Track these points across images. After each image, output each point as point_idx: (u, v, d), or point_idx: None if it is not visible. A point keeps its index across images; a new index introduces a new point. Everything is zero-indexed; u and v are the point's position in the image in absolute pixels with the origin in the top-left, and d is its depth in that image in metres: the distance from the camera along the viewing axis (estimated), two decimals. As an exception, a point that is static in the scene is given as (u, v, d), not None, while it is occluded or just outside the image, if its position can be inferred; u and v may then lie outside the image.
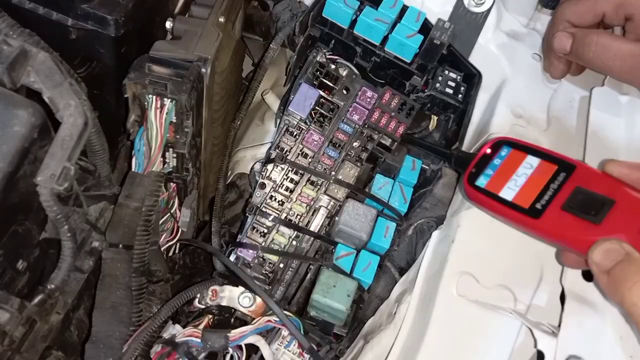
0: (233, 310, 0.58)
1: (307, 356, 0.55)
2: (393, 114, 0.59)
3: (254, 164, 0.70)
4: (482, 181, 0.44)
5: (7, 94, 0.41)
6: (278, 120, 0.65)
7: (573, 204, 0.40)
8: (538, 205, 0.41)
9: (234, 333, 0.52)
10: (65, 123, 0.42)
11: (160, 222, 0.59)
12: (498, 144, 0.46)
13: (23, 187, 0.42)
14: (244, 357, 0.52)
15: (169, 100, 0.51)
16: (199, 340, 0.52)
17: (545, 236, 0.42)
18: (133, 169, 0.53)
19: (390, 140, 0.59)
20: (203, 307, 0.58)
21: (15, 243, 0.44)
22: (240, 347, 0.53)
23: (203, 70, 0.52)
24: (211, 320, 0.58)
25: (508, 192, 0.43)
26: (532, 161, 0.44)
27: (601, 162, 0.44)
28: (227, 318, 0.59)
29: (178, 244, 0.67)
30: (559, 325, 0.46)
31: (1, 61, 0.41)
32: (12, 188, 0.40)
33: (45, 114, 0.42)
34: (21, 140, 0.40)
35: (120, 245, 0.50)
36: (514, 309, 0.47)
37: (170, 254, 0.67)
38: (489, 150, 0.46)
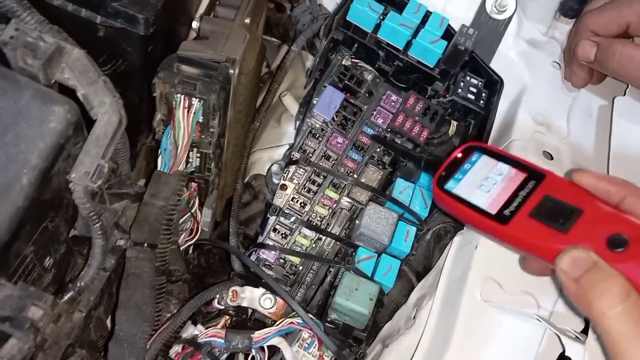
0: (250, 311, 0.58)
1: (326, 359, 0.55)
2: (417, 118, 0.60)
3: (271, 165, 0.70)
4: (451, 185, 0.44)
5: (44, 90, 0.41)
6: (298, 122, 0.65)
7: (541, 212, 0.40)
8: (506, 212, 0.41)
9: (258, 334, 0.52)
10: (99, 121, 0.42)
11: (180, 221, 0.59)
12: (469, 149, 0.46)
13: (56, 183, 0.42)
14: (266, 359, 0.52)
15: (197, 100, 0.51)
16: (223, 341, 0.52)
17: (512, 243, 0.42)
18: (159, 168, 0.53)
19: (413, 144, 0.59)
20: (222, 307, 0.58)
21: (46, 240, 0.43)
22: (262, 348, 0.53)
23: (231, 71, 0.52)
24: (228, 321, 0.58)
25: (477, 198, 0.43)
26: (502, 168, 0.44)
27: (567, 172, 0.44)
28: (243, 319, 0.59)
29: (193, 245, 0.67)
30: (583, 332, 0.47)
31: (38, 57, 0.40)
32: (47, 184, 0.40)
33: (80, 111, 0.42)
34: (57, 136, 0.40)
35: (145, 244, 0.50)
36: (540, 315, 0.48)
37: (185, 254, 0.66)
38: (459, 155, 0.46)
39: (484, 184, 0.44)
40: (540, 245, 0.40)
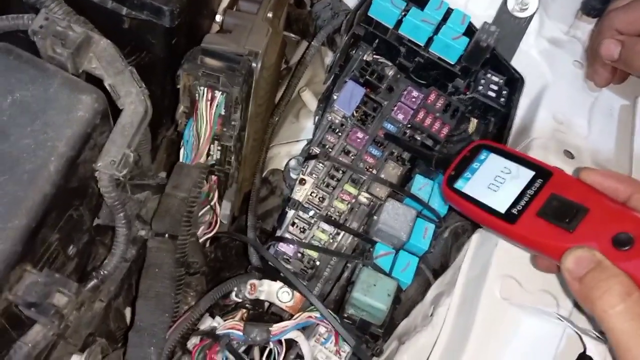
0: (267, 304, 0.59)
1: (343, 354, 0.55)
2: (438, 114, 0.60)
3: (289, 160, 0.70)
4: (460, 184, 0.44)
5: (73, 79, 0.41)
6: (317, 118, 0.65)
7: (548, 211, 0.40)
8: (514, 211, 0.41)
9: (276, 327, 0.52)
10: (126, 110, 0.43)
11: (200, 214, 0.59)
12: (477, 148, 0.46)
13: (82, 172, 0.42)
14: (283, 352, 0.52)
15: (220, 92, 0.51)
16: (241, 333, 0.52)
17: (520, 241, 0.42)
18: (181, 160, 0.54)
19: (432, 141, 0.59)
20: (239, 300, 0.58)
21: (70, 228, 0.44)
22: (280, 341, 0.53)
23: (254, 64, 0.52)
24: (245, 314, 0.58)
25: (485, 197, 0.43)
26: (510, 166, 0.44)
27: (575, 169, 0.44)
28: (260, 313, 0.59)
29: (210, 238, 0.67)
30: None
31: (67, 46, 0.41)
32: (73, 172, 0.41)
33: (107, 101, 0.42)
34: (85, 125, 0.40)
35: (166, 235, 0.50)
36: (559, 314, 0.47)
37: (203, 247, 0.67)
38: (468, 154, 0.46)
39: (492, 182, 0.44)
40: (547, 244, 0.40)
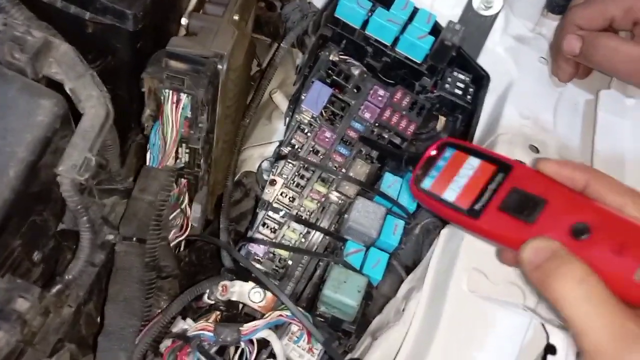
0: (241, 305, 0.59)
1: (315, 352, 0.55)
2: (404, 112, 0.60)
3: (262, 162, 0.70)
4: (427, 183, 0.45)
5: (32, 83, 0.41)
6: (287, 119, 0.66)
7: (509, 204, 0.40)
8: (477, 206, 0.41)
9: (246, 327, 0.52)
10: (87, 114, 0.43)
11: (170, 217, 0.59)
12: (443, 145, 0.46)
13: (44, 176, 0.42)
14: (255, 352, 0.53)
15: (185, 95, 0.51)
16: (212, 334, 0.52)
17: (485, 236, 0.42)
18: (147, 163, 0.54)
19: (400, 139, 0.60)
20: (212, 302, 0.58)
21: (33, 234, 0.44)
22: (251, 341, 0.53)
23: (219, 66, 0.53)
24: (219, 316, 0.58)
25: (450, 194, 0.43)
26: (473, 162, 0.44)
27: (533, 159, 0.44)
28: (234, 314, 0.59)
29: (184, 242, 0.67)
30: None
31: (25, 51, 0.41)
32: (34, 177, 0.41)
33: (67, 105, 0.42)
34: (44, 129, 0.40)
35: (134, 239, 0.50)
36: (525, 305, 0.48)
37: (177, 251, 0.67)
38: (434, 152, 0.46)
39: (456, 179, 0.44)
40: (510, 237, 0.40)
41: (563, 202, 0.39)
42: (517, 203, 0.40)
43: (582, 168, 0.40)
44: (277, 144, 0.69)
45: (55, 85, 0.44)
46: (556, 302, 0.36)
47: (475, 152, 0.45)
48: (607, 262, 0.36)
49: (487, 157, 0.44)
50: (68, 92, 0.44)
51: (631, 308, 0.35)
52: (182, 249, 0.68)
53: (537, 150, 0.56)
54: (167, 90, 0.51)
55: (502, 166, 0.43)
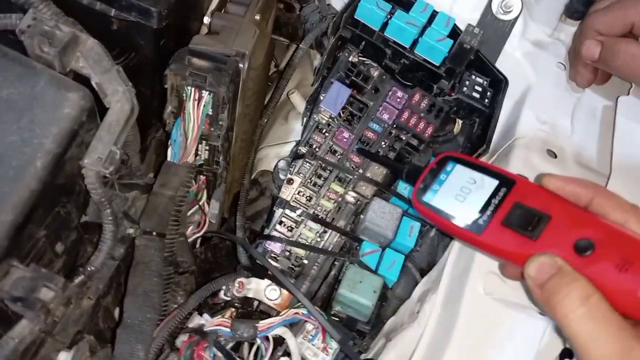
0: (255, 303, 0.59)
1: (330, 351, 0.55)
2: (422, 114, 0.60)
3: (278, 161, 0.70)
4: (429, 197, 0.45)
5: (60, 77, 0.42)
6: (305, 119, 0.66)
7: (512, 220, 0.40)
8: (480, 221, 0.42)
9: (263, 324, 0.52)
10: (112, 108, 0.43)
11: (188, 214, 0.60)
12: (444, 160, 0.46)
13: (69, 169, 0.43)
14: (270, 348, 0.53)
15: (207, 92, 0.52)
16: (228, 330, 0.52)
17: (488, 251, 0.42)
18: (169, 159, 0.54)
19: (417, 140, 0.60)
20: (228, 299, 0.59)
21: (57, 225, 0.44)
22: (267, 338, 0.53)
23: (241, 65, 0.53)
24: (234, 313, 0.59)
25: (452, 208, 0.43)
26: (475, 176, 0.44)
27: (537, 176, 0.44)
28: (249, 311, 0.60)
29: (200, 239, 0.68)
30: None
31: (54, 45, 0.42)
32: (60, 169, 0.41)
33: (93, 99, 0.43)
34: (71, 122, 0.41)
35: (154, 233, 0.51)
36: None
37: (193, 248, 0.67)
38: (435, 166, 0.46)
39: (459, 194, 0.44)
40: (513, 252, 0.40)
41: (567, 218, 0.39)
42: (521, 218, 0.40)
43: (586, 184, 0.40)
44: (294, 143, 0.70)
45: (82, 80, 0.45)
46: (560, 320, 0.36)
47: (478, 166, 0.45)
48: (611, 278, 0.36)
49: (489, 171, 0.44)
50: (94, 86, 0.44)
51: (635, 324, 0.35)
52: (197, 245, 0.69)
53: (554, 155, 0.56)
54: (189, 88, 0.51)
55: (505, 181, 0.43)
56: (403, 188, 0.60)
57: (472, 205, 0.42)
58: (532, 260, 0.38)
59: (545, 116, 0.60)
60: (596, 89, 0.62)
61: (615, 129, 0.56)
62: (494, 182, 0.43)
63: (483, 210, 0.42)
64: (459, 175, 0.45)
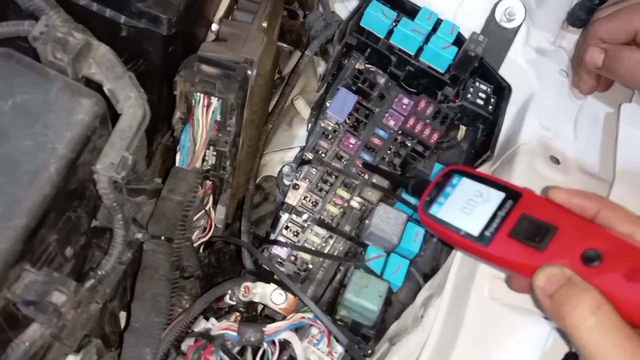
0: (260, 307, 0.59)
1: (335, 355, 0.56)
2: (428, 121, 0.61)
3: (282, 167, 0.71)
4: (435, 210, 0.45)
5: (73, 83, 0.42)
6: (310, 125, 0.67)
7: (519, 231, 0.41)
8: (487, 233, 0.42)
9: (269, 328, 0.53)
10: (125, 114, 0.44)
11: (195, 218, 0.60)
12: (450, 173, 0.47)
13: (81, 174, 0.43)
14: (277, 353, 0.53)
15: (216, 99, 0.52)
16: (235, 334, 0.53)
17: (495, 262, 0.43)
18: (177, 164, 0.55)
19: (423, 147, 0.61)
20: (233, 303, 0.59)
21: (68, 229, 0.45)
22: (273, 342, 0.54)
23: (249, 71, 0.54)
24: (239, 317, 0.59)
25: (459, 221, 0.44)
26: (481, 189, 0.45)
27: (544, 189, 0.45)
28: (254, 315, 0.60)
29: (204, 243, 0.68)
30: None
31: (67, 52, 0.42)
32: (73, 174, 0.42)
33: (106, 105, 0.43)
34: (84, 128, 0.41)
35: (162, 238, 0.51)
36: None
37: (197, 252, 0.67)
38: (441, 179, 0.47)
39: (465, 206, 0.44)
40: (520, 263, 0.40)
41: (574, 229, 0.40)
42: (528, 230, 0.41)
43: (592, 197, 0.41)
44: (297, 149, 0.70)
45: (94, 86, 0.46)
46: (570, 330, 0.36)
47: (483, 179, 0.45)
48: (619, 288, 0.36)
49: (495, 184, 0.45)
50: (106, 92, 0.45)
51: None
52: (201, 250, 0.69)
53: (557, 162, 0.57)
54: (198, 94, 0.52)
55: (511, 193, 0.43)
56: (408, 194, 0.60)
57: (478, 218, 0.43)
58: (541, 271, 0.38)
59: (549, 123, 0.60)
60: (599, 96, 0.62)
61: (618, 135, 0.57)
62: (501, 195, 0.43)
63: (490, 222, 0.42)
64: (465, 188, 0.45)
